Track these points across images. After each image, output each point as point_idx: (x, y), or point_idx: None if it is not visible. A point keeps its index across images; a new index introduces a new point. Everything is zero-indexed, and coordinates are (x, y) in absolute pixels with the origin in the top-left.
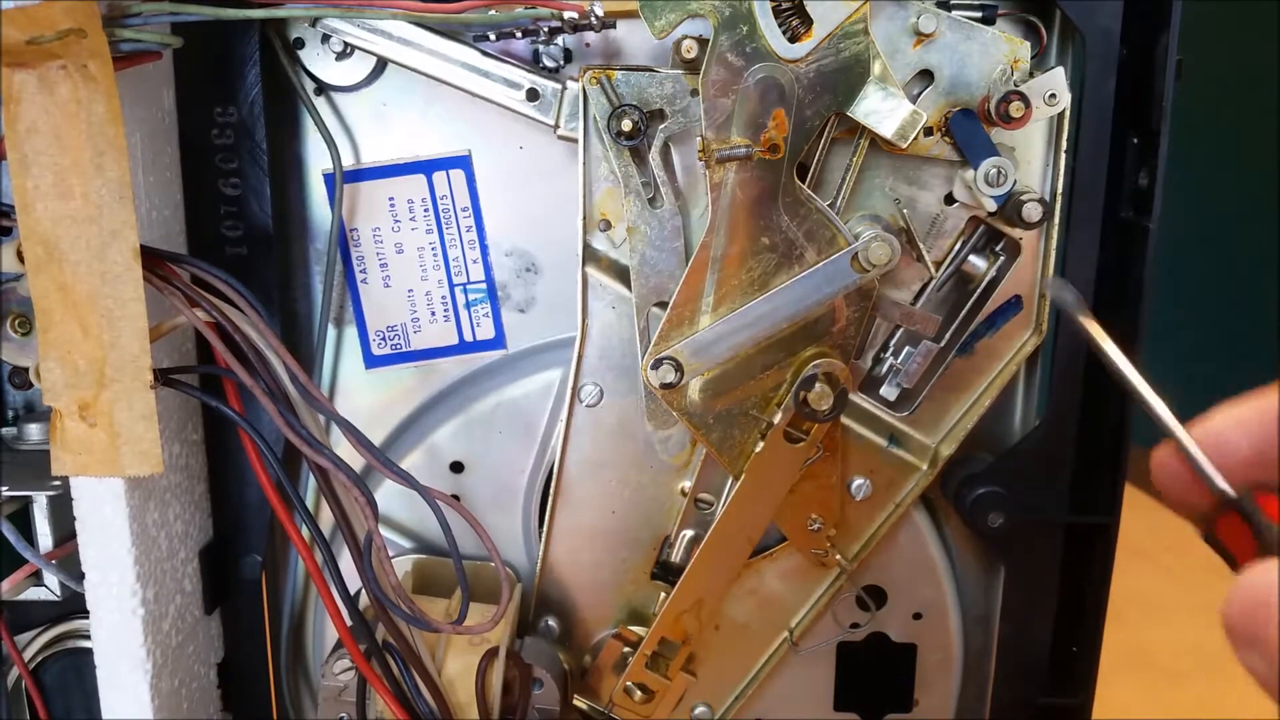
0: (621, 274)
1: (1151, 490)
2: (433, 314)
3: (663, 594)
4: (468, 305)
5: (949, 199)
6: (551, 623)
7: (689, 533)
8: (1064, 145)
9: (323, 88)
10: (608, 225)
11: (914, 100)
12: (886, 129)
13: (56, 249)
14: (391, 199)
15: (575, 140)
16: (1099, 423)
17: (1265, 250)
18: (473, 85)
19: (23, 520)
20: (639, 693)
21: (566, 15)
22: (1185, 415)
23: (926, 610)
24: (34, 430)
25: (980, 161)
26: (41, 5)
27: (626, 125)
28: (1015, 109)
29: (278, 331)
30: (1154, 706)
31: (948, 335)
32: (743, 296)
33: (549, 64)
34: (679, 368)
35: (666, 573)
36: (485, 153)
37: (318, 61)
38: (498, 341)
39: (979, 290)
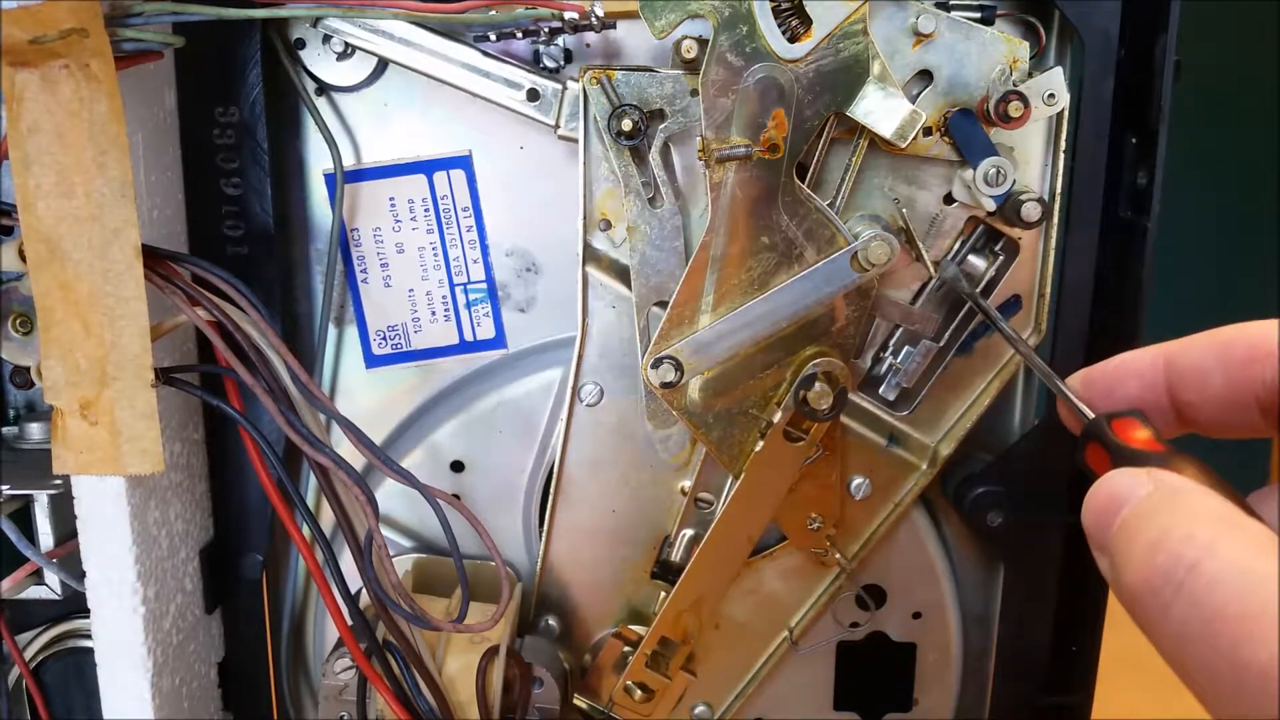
0: (622, 274)
1: None
2: (433, 313)
3: (663, 593)
4: (468, 305)
5: (948, 199)
6: (551, 622)
7: (689, 532)
8: (1063, 145)
9: (324, 88)
10: (608, 225)
11: (913, 100)
12: (886, 129)
13: (58, 247)
14: (392, 199)
15: (575, 140)
16: None
17: (1265, 250)
18: (473, 85)
19: (24, 519)
20: (639, 692)
21: (567, 15)
22: None
23: (926, 610)
24: (35, 429)
25: (979, 161)
26: (44, 5)
27: (626, 125)
28: (1014, 109)
29: (279, 331)
30: (1154, 708)
31: (947, 335)
32: (742, 296)
33: (549, 64)
34: (679, 367)
35: (666, 572)
36: (485, 153)
37: (319, 62)
38: (498, 341)
39: (978, 290)
